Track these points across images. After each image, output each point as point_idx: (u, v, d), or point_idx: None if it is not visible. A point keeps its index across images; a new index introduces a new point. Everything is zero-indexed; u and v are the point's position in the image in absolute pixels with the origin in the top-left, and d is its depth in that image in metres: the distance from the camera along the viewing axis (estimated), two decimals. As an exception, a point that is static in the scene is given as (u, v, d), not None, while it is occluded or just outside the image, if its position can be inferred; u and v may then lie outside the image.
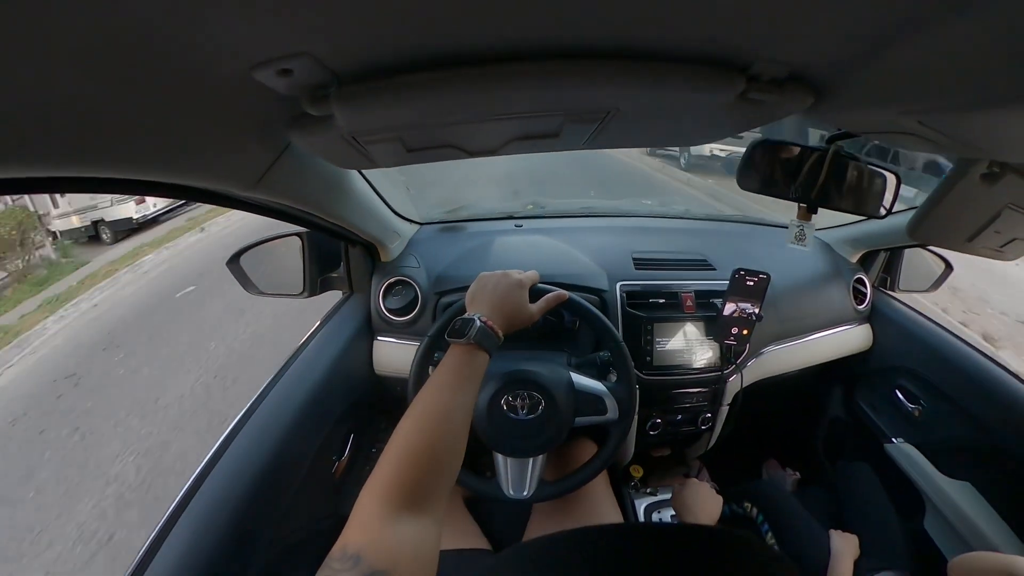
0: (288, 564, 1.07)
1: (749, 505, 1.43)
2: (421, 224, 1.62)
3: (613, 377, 1.16)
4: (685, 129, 0.79)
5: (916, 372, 1.56)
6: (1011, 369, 1.38)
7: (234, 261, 1.27)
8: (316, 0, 0.35)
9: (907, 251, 1.72)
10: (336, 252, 1.41)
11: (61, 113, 0.41)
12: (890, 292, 1.76)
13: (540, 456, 1.09)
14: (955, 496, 1.36)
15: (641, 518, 1.45)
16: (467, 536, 1.17)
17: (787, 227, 1.68)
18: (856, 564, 1.20)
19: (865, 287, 1.66)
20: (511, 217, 1.72)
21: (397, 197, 1.45)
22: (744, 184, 0.97)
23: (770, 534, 1.36)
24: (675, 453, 1.64)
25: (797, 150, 0.96)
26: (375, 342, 1.41)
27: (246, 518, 0.90)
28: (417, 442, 0.63)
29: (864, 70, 0.50)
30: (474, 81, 0.50)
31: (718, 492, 1.49)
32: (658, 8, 0.40)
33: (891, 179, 1.00)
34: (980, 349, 1.47)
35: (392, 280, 1.39)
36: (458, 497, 1.29)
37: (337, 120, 0.54)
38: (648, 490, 1.53)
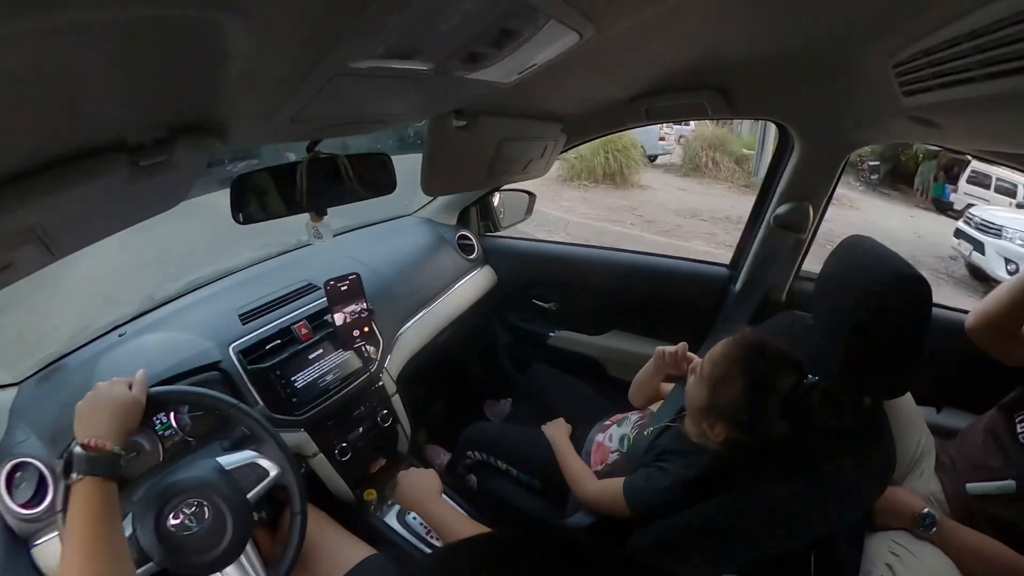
0: None
1: (473, 452, 1.57)
2: (17, 384, 1.30)
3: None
4: (130, 209, 0.81)
5: (538, 279, 1.97)
6: (595, 245, 1.89)
7: None
8: None
9: (495, 195, 2.06)
10: None
11: None
12: (497, 234, 2.09)
13: (249, 548, 1.02)
14: (612, 343, 1.83)
15: (398, 528, 1.44)
16: None
17: (397, 217, 1.88)
18: (575, 436, 1.42)
19: (469, 239, 1.94)
20: (116, 327, 1.50)
21: None
22: (244, 220, 0.99)
23: (500, 462, 1.52)
24: (389, 461, 1.67)
25: (278, 170, 1.01)
26: (33, 551, 1.09)
27: None
28: None
29: (224, 100, 0.55)
30: None
31: (449, 462, 1.59)
32: None
33: (381, 159, 1.14)
34: (568, 243, 1.93)
35: (7, 468, 1.09)
36: None
37: None
38: (389, 502, 1.54)
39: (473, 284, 1.87)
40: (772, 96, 1.31)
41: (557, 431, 1.42)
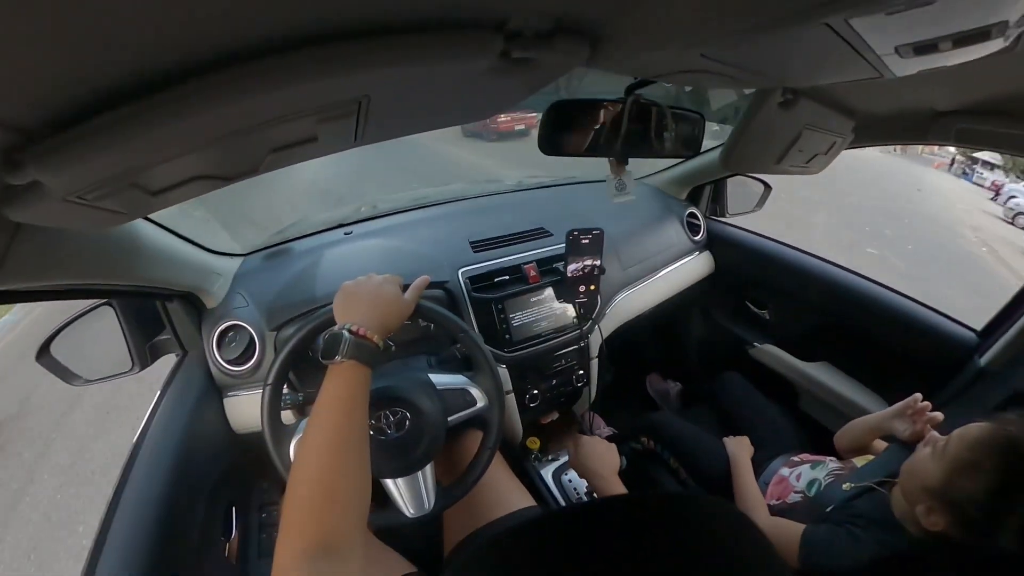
0: None
1: (646, 439, 1.51)
2: (244, 255, 1.44)
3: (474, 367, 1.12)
4: (457, 105, 0.74)
5: (758, 281, 1.77)
6: (831, 261, 1.60)
7: (44, 354, 1.06)
8: None
9: (729, 180, 1.87)
10: (156, 312, 1.22)
11: None
12: (722, 219, 1.91)
13: (428, 466, 1.03)
14: (818, 376, 1.58)
15: (551, 485, 1.44)
16: (390, 565, 1.10)
17: (589, 181, 1.76)
18: (753, 460, 1.33)
19: (697, 219, 1.80)
20: (340, 225, 1.59)
21: (208, 232, 1.25)
22: (547, 149, 0.94)
23: (672, 459, 1.45)
24: (563, 414, 1.66)
25: (596, 105, 0.93)
26: (225, 400, 1.25)
27: None
28: (308, 483, 0.60)
29: (634, 10, 0.47)
30: (187, 101, 0.41)
31: (614, 438, 1.54)
32: None
33: (696, 119, 1.03)
34: (802, 249, 1.68)
35: (223, 327, 1.22)
36: (367, 530, 1.20)
37: (44, 185, 0.44)
38: (550, 457, 1.54)
39: (692, 267, 1.74)
40: None
41: (741, 450, 1.34)
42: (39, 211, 0.54)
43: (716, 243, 1.83)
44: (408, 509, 1.02)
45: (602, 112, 0.92)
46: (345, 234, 1.52)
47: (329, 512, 0.58)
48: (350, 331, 0.75)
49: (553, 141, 0.94)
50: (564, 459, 1.51)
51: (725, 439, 1.38)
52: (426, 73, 0.50)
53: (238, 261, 1.40)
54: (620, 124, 0.91)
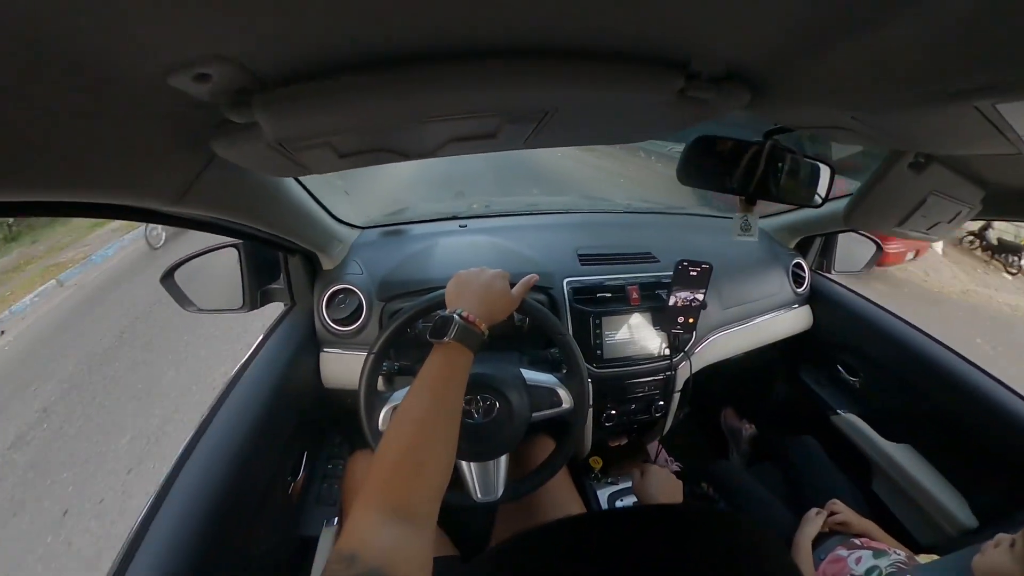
0: None
1: (706, 485, 1.49)
2: (363, 228, 1.58)
3: (565, 371, 1.16)
4: (624, 127, 0.79)
5: (854, 347, 1.67)
6: (939, 339, 1.49)
7: (168, 277, 1.20)
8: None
9: (840, 235, 1.81)
10: (276, 261, 1.35)
11: None
12: (827, 274, 1.85)
13: (503, 456, 1.07)
14: (898, 458, 1.48)
15: (604, 507, 1.46)
16: (435, 545, 1.15)
17: (724, 217, 1.75)
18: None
19: (803, 271, 1.74)
20: (455, 217, 1.69)
21: (336, 201, 1.39)
22: (685, 179, 0.98)
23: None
24: (632, 441, 1.66)
25: (735, 144, 0.96)
26: (322, 355, 1.36)
27: (202, 549, 0.86)
28: (400, 450, 0.63)
29: (801, 68, 0.50)
30: (407, 84, 0.47)
31: (679, 470, 1.53)
32: (597, 6, 0.39)
33: (825, 170, 1.03)
34: (910, 322, 1.57)
35: (335, 289, 1.34)
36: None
37: (262, 128, 0.51)
38: (609, 480, 1.55)
39: (790, 320, 1.69)
40: None
41: (810, 524, 1.27)
42: (243, 150, 0.61)
43: (817, 298, 1.76)
44: (477, 493, 1.07)
45: (741, 152, 0.95)
46: (460, 226, 1.61)
47: (415, 481, 0.61)
48: (460, 316, 0.79)
49: (692, 172, 0.97)
50: (623, 485, 1.52)
51: (808, 515, 1.30)
52: (610, 97, 0.55)
53: (356, 232, 1.52)
54: (756, 166, 0.94)
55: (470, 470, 1.07)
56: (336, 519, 1.28)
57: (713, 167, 0.97)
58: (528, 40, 0.45)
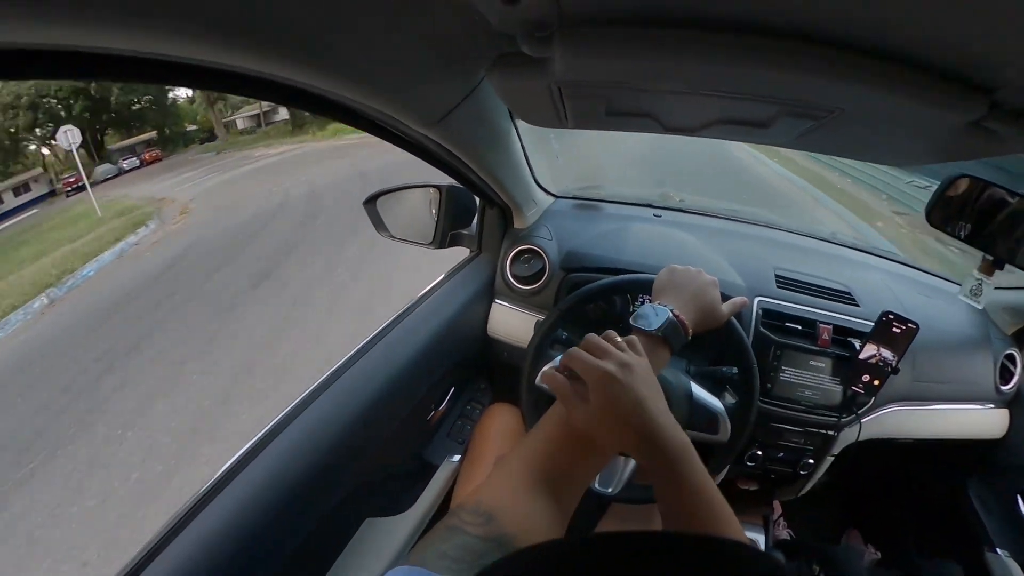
0: (366, 499, 1.09)
1: (817, 568, 1.35)
2: (557, 196, 1.61)
3: (729, 396, 1.10)
4: (901, 147, 0.73)
5: None
6: None
7: (371, 202, 1.31)
8: None
9: None
10: (470, 209, 1.42)
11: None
12: None
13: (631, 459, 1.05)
14: None
15: None
16: None
17: (939, 276, 1.53)
18: None
19: (1015, 366, 1.46)
20: (650, 206, 1.67)
21: (540, 166, 1.44)
22: (931, 217, 0.88)
23: None
24: (763, 490, 1.54)
25: (999, 193, 0.85)
26: (493, 305, 1.43)
27: (338, 451, 0.93)
28: (573, 427, 0.61)
29: None
30: (705, 48, 0.47)
31: (788, 545, 1.40)
32: (926, 11, 0.37)
33: None
34: None
35: (523, 247, 1.38)
36: None
37: (553, 65, 0.52)
38: None
39: (980, 419, 1.43)
40: None
41: None
42: (518, 86, 0.63)
43: (1021, 405, 1.46)
44: (596, 482, 1.05)
45: (1003, 203, 0.85)
46: (655, 215, 1.60)
47: (582, 460, 0.60)
48: (674, 314, 0.76)
49: (940, 214, 0.89)
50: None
51: None
52: (904, 110, 0.52)
53: (550, 199, 1.57)
54: (1016, 225, 0.83)
55: None
56: (458, 456, 1.33)
57: (965, 213, 0.87)
58: (836, 32, 0.43)
